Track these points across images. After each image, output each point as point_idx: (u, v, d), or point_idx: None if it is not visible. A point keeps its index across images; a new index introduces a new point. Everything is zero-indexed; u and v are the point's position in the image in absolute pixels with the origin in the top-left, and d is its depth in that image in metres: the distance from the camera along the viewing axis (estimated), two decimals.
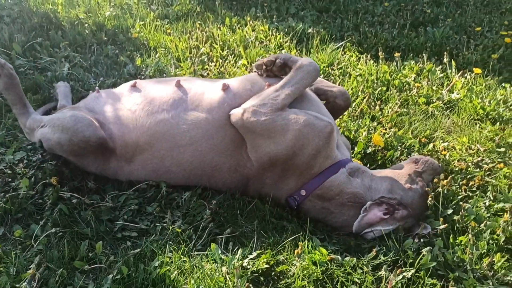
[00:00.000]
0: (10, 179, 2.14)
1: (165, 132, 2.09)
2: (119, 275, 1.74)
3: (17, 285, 1.69)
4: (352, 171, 2.07)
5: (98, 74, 3.08)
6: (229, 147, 2.06)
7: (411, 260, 1.81)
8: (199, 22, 3.85)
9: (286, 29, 3.70)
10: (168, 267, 1.78)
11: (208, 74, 3.04)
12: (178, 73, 3.08)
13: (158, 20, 3.91)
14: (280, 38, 3.55)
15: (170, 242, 1.90)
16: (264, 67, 2.18)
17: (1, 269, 1.74)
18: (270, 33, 3.63)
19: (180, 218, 2.04)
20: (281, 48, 3.47)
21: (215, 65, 3.19)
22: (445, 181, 2.09)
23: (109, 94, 2.34)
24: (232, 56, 3.35)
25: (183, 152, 2.08)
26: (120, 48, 3.48)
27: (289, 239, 1.92)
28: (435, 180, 2.13)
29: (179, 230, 1.94)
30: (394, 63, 3.26)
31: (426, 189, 2.06)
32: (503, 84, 3.13)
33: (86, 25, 3.75)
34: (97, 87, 2.49)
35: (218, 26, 3.74)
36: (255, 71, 2.26)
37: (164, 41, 3.47)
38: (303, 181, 2.06)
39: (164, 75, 3.08)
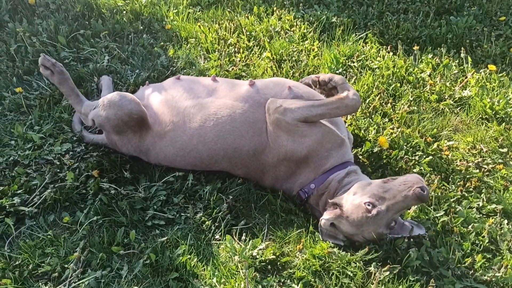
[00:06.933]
0: (58, 170, 2.50)
1: (196, 113, 2.41)
2: (148, 260, 2.08)
3: (66, 265, 2.06)
4: (349, 171, 2.31)
5: (134, 65, 3.36)
6: (249, 131, 2.34)
7: (399, 258, 2.07)
8: (228, 10, 4.06)
9: (311, 18, 3.86)
10: (189, 256, 2.10)
11: (233, 68, 3.27)
12: (206, 65, 3.33)
13: (190, 7, 4.14)
14: (304, 29, 3.73)
15: (192, 233, 2.23)
16: (317, 84, 2.50)
17: (53, 251, 2.11)
18: (295, 22, 3.80)
19: (201, 210, 2.35)
20: (304, 39, 3.66)
21: (241, 57, 3.42)
22: (435, 184, 2.32)
23: (156, 85, 2.72)
24: (258, 47, 3.56)
25: (210, 131, 2.37)
26: (155, 38, 3.74)
27: (294, 233, 2.21)
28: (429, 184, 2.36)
29: (199, 222, 2.26)
30: (412, 57, 3.39)
31: (376, 210, 2.02)
32: None
33: (124, 12, 4.02)
34: (147, 82, 2.85)
35: (246, 15, 3.93)
36: (306, 82, 2.62)
37: (195, 31, 3.71)
38: (314, 176, 2.33)
39: (194, 67, 3.34)
